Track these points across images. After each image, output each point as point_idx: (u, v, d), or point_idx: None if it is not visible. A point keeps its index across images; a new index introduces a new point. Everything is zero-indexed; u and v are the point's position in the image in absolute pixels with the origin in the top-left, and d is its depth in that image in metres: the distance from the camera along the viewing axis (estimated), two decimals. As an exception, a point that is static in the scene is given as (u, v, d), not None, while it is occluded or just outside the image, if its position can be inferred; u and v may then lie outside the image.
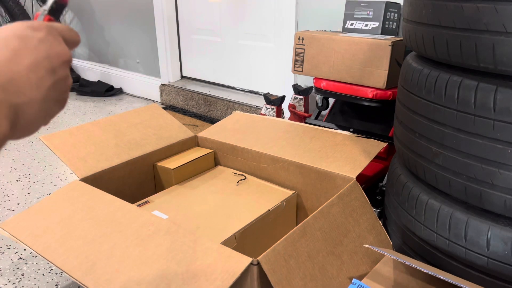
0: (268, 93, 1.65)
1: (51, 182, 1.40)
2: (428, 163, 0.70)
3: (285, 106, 1.72)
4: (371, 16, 1.22)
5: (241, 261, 0.57)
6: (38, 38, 0.31)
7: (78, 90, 2.53)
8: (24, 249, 1.04)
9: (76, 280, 0.59)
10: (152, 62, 2.38)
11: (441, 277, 0.56)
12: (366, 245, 0.69)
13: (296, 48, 1.27)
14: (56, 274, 0.95)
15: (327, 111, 1.36)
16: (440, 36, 0.65)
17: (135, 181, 0.99)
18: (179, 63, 2.34)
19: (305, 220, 0.68)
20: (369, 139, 0.96)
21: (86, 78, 2.69)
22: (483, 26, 0.58)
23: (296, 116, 1.57)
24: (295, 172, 0.93)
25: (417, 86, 0.71)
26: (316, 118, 1.39)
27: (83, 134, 0.98)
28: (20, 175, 1.43)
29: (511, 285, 0.63)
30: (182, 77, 2.38)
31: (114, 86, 2.57)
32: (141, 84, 2.48)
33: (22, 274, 0.95)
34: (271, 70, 1.93)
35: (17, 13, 2.35)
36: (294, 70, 1.31)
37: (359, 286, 0.61)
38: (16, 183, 1.39)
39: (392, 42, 1.06)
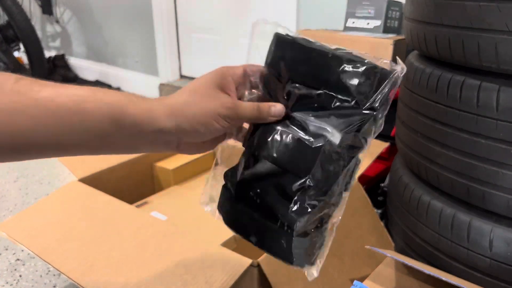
0: (268, 92, 1.64)
1: (49, 183, 1.39)
2: (430, 163, 0.70)
3: (284, 105, 1.71)
4: (372, 15, 1.22)
5: (241, 263, 0.57)
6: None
7: (76, 89, 2.52)
8: (22, 250, 1.03)
9: (74, 281, 0.59)
10: (151, 61, 2.37)
11: (443, 279, 0.55)
12: (368, 247, 0.68)
13: (296, 47, 1.26)
14: (54, 275, 0.95)
15: (327, 110, 1.35)
16: (442, 35, 0.64)
17: (133, 181, 0.98)
18: (178, 62, 2.34)
19: (305, 221, 0.67)
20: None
21: (84, 78, 2.69)
22: (486, 25, 0.58)
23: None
24: (295, 172, 0.92)
25: (419, 85, 0.70)
26: (316, 117, 1.38)
27: (82, 134, 0.97)
28: (17, 175, 1.43)
29: (514, 286, 0.62)
30: (181, 76, 2.37)
31: (113, 86, 2.56)
32: (139, 83, 2.48)
33: (20, 276, 0.95)
34: (270, 69, 1.92)
35: (15, 12, 2.34)
36: (294, 69, 1.30)
37: (360, 287, 0.60)
38: (13, 183, 1.38)
39: (393, 40, 1.05)
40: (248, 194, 0.43)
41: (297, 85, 0.42)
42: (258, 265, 0.56)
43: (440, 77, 0.66)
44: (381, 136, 1.08)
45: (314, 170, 0.39)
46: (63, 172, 1.45)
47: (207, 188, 0.47)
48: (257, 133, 0.43)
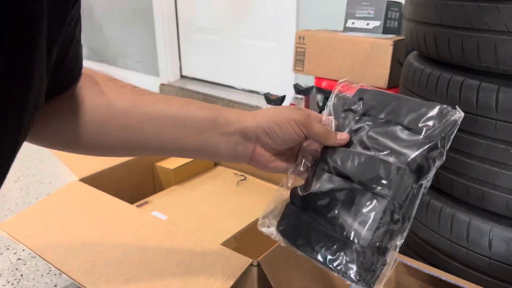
0: (269, 92, 1.64)
1: (49, 183, 1.40)
2: (430, 163, 0.70)
3: (285, 105, 1.71)
4: (372, 15, 1.22)
5: (241, 262, 0.57)
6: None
7: (77, 90, 2.52)
8: (23, 250, 1.03)
9: (75, 280, 0.59)
10: (152, 61, 2.37)
11: (443, 278, 0.55)
12: (367, 246, 0.68)
13: (297, 47, 1.27)
14: (55, 275, 0.95)
15: (327, 110, 1.35)
16: (441, 35, 0.65)
17: (134, 181, 0.98)
18: (179, 62, 2.34)
19: (305, 220, 0.67)
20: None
21: (86, 78, 2.69)
22: (485, 26, 0.58)
23: (296, 116, 1.56)
24: (296, 172, 0.93)
25: (418, 85, 0.71)
26: (317, 117, 1.38)
27: (82, 134, 0.98)
28: (18, 175, 1.43)
29: (514, 286, 0.62)
30: (182, 76, 2.37)
31: (114, 86, 2.57)
32: (140, 84, 2.46)
33: (21, 275, 0.95)
34: (271, 70, 1.92)
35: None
36: (295, 69, 1.31)
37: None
38: (14, 183, 1.38)
39: (393, 41, 1.05)
40: (316, 206, 0.44)
41: (367, 117, 0.47)
42: (258, 265, 0.57)
43: (439, 77, 0.66)
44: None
45: (386, 183, 0.42)
46: (64, 172, 1.46)
47: (268, 211, 0.50)
48: (328, 153, 0.47)
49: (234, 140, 0.47)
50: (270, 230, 0.48)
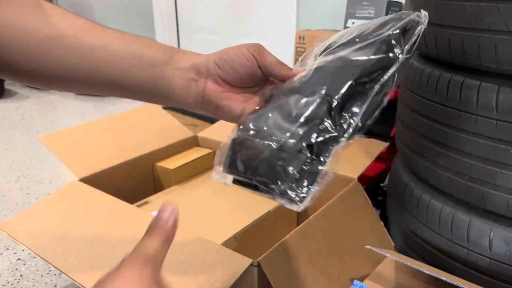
0: (268, 92, 1.64)
1: (50, 183, 1.40)
2: (430, 163, 0.70)
3: (285, 105, 1.72)
4: (372, 15, 1.22)
5: (241, 262, 0.57)
6: None
7: (77, 90, 2.53)
8: (23, 250, 1.03)
9: (75, 281, 0.59)
10: (152, 61, 2.38)
11: (443, 278, 0.55)
12: (368, 246, 0.68)
13: (297, 47, 1.27)
14: (55, 275, 0.95)
15: (327, 110, 1.35)
16: (442, 35, 0.65)
17: (134, 181, 0.98)
18: (179, 62, 2.34)
19: (306, 221, 0.67)
20: (371, 139, 0.96)
21: (86, 78, 2.69)
22: (485, 25, 0.58)
23: (296, 116, 1.56)
24: (296, 172, 0.92)
25: (419, 85, 0.71)
26: (317, 117, 1.38)
27: (82, 134, 0.98)
28: (19, 175, 1.43)
29: (514, 286, 0.62)
30: (182, 76, 2.38)
31: (114, 86, 2.57)
32: (140, 84, 2.48)
33: (21, 275, 0.95)
34: (271, 70, 1.92)
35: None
36: (295, 69, 1.30)
37: (361, 287, 0.61)
38: (15, 183, 1.38)
39: (393, 41, 1.05)
40: (253, 128, 0.42)
41: (327, 51, 0.46)
42: (258, 265, 0.56)
43: (439, 77, 0.66)
44: (381, 136, 1.08)
45: (320, 82, 0.40)
46: (64, 172, 1.46)
47: (216, 161, 0.45)
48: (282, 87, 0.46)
49: (187, 76, 0.46)
50: (220, 173, 0.43)
